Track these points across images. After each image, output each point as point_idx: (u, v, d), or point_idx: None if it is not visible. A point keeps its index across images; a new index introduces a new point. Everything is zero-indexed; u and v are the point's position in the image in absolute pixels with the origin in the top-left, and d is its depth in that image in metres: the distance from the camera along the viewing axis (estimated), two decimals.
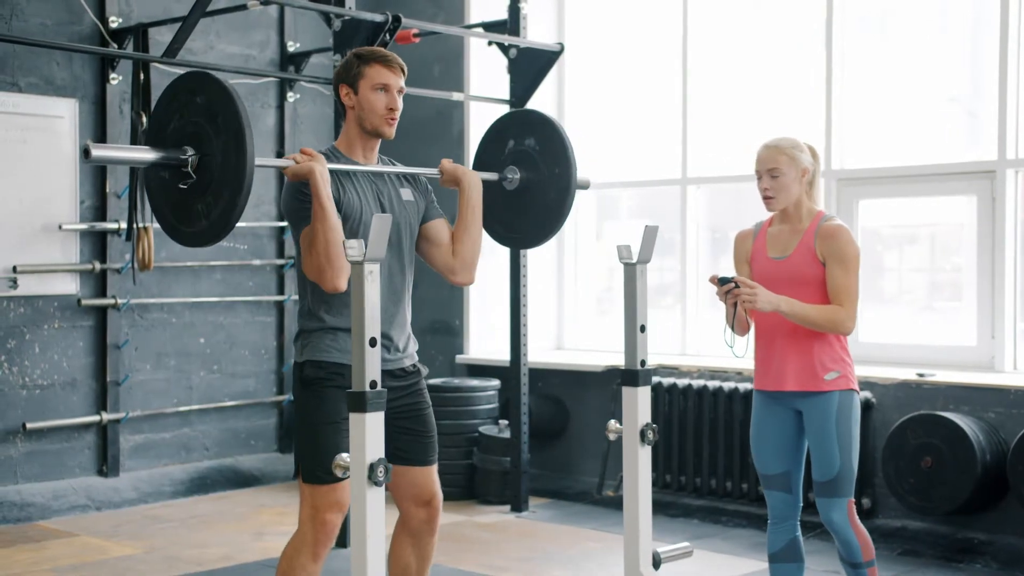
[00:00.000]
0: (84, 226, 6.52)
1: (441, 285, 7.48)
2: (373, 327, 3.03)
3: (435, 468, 3.78)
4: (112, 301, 6.61)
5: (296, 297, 3.84)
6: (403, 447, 3.69)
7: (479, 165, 4.07)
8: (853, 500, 3.97)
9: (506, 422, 6.65)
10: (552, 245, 7.71)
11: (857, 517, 3.98)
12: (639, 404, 3.73)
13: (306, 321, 3.62)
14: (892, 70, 6.47)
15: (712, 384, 6.40)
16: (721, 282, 3.93)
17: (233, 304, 7.24)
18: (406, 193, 3.73)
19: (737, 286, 3.89)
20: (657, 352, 7.05)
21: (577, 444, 7.13)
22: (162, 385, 6.96)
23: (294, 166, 3.41)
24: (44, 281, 6.42)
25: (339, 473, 3.10)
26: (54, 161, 6.43)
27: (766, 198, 4.00)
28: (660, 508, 6.37)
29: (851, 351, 4.05)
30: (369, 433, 3.04)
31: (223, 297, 7.16)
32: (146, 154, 3.24)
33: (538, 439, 7.05)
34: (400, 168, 3.81)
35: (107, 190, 6.60)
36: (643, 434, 3.73)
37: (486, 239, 3.94)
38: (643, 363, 3.74)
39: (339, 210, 3.50)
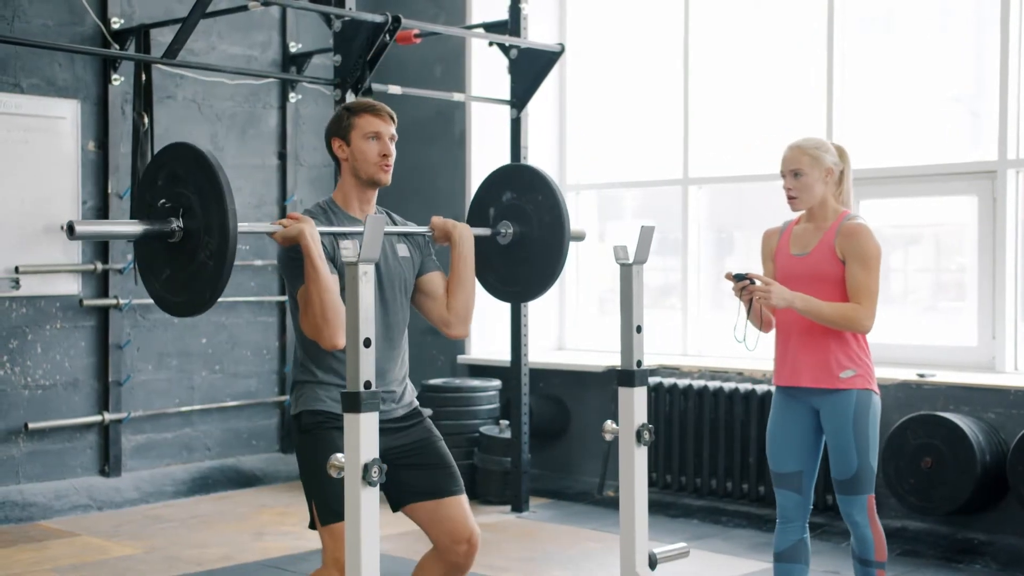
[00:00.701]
0: None
1: None
2: (367, 328, 3.03)
3: (464, 500, 3.67)
4: (114, 301, 6.63)
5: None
6: (418, 483, 3.62)
7: (473, 219, 4.05)
8: (873, 497, 3.98)
9: (507, 422, 6.66)
10: None
11: (877, 516, 3.99)
12: (635, 404, 3.73)
13: (299, 373, 3.62)
14: (894, 70, 6.47)
15: (712, 384, 6.40)
16: (736, 279, 3.95)
17: (235, 304, 7.25)
18: (402, 249, 3.72)
19: (752, 283, 3.91)
20: (659, 352, 7.07)
21: (578, 444, 7.13)
22: (164, 385, 6.97)
23: (282, 231, 3.39)
24: (46, 281, 6.44)
25: (334, 474, 3.10)
26: (56, 162, 6.45)
27: (790, 198, 4.03)
28: (660, 508, 6.38)
29: None
30: (363, 433, 3.04)
31: (225, 297, 7.12)
32: (133, 227, 3.21)
33: (539, 439, 7.06)
34: (393, 228, 3.77)
35: (109, 191, 6.61)
36: (639, 434, 3.72)
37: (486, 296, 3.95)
38: (639, 363, 3.74)
39: (335, 265, 3.49)
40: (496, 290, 4.08)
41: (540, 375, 7.12)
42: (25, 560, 5.48)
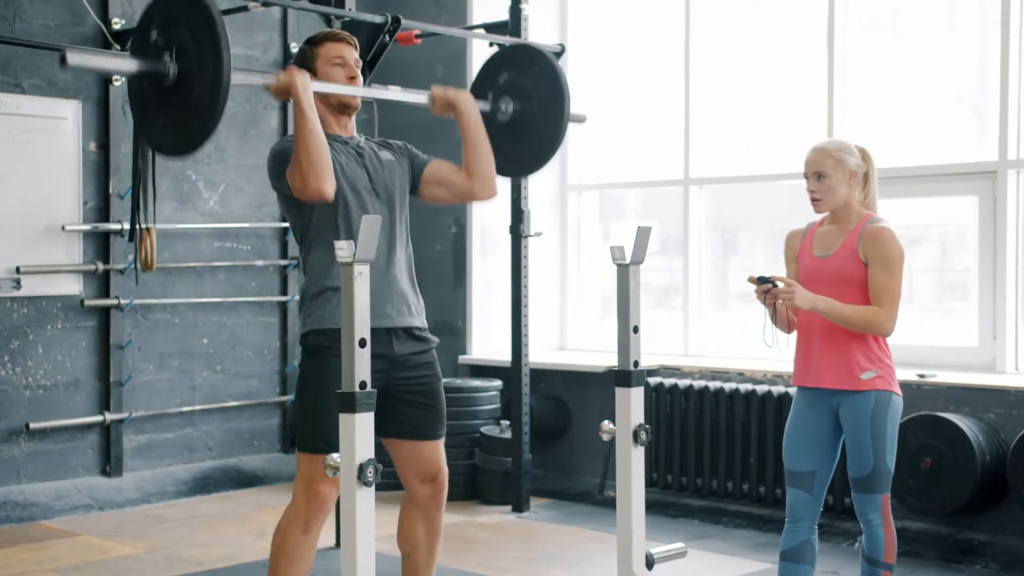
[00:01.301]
0: (87, 227, 6.55)
1: (444, 286, 7.51)
2: (363, 328, 3.04)
3: (442, 443, 3.82)
4: (115, 302, 6.64)
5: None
6: (413, 421, 3.73)
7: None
8: (889, 497, 3.99)
9: (507, 422, 6.66)
10: (556, 245, 7.72)
11: (891, 517, 4.01)
12: (632, 405, 3.73)
13: (307, 285, 3.71)
14: (896, 69, 6.46)
15: (713, 385, 6.39)
16: (760, 281, 3.96)
17: (236, 304, 7.26)
18: (385, 155, 3.82)
19: (775, 285, 3.93)
20: (660, 353, 7.07)
21: (579, 445, 7.13)
22: (165, 385, 6.98)
23: (275, 82, 3.49)
24: (47, 282, 6.45)
25: (329, 473, 3.11)
26: (57, 162, 6.46)
27: (813, 200, 4.04)
28: (661, 509, 6.38)
29: None
30: (358, 433, 3.04)
31: (226, 298, 7.18)
32: (127, 63, 3.25)
33: (540, 439, 7.06)
34: (387, 95, 3.92)
35: (110, 191, 6.62)
36: (636, 435, 3.72)
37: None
38: (636, 364, 3.74)
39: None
40: (498, 166, 4.06)
41: (541, 375, 7.12)
42: (26, 560, 5.49)
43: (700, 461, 6.43)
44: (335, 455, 3.10)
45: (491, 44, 6.50)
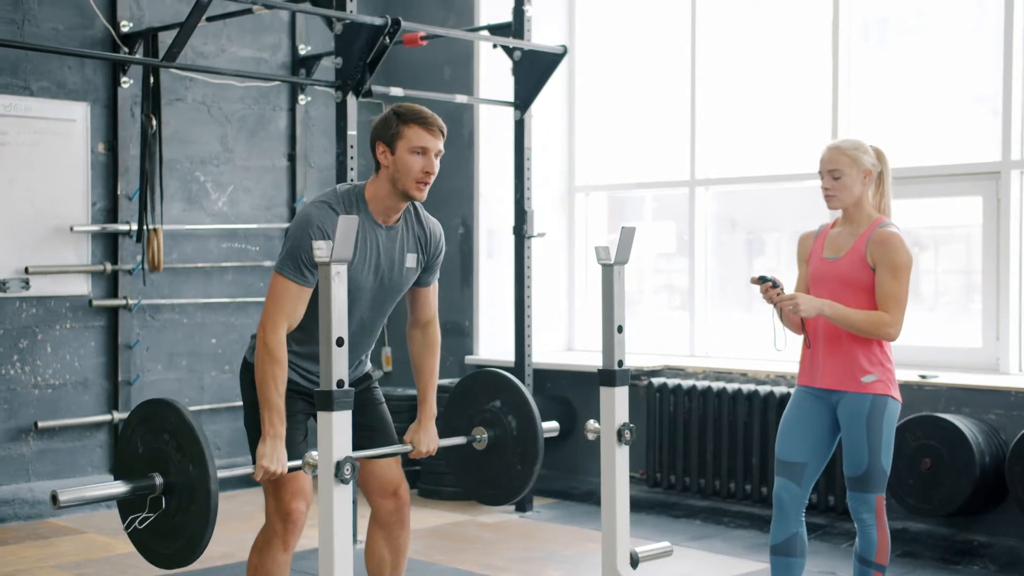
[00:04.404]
0: (96, 228, 6.61)
1: (452, 286, 7.54)
2: (340, 327, 3.08)
3: (397, 459, 3.84)
4: (123, 302, 6.70)
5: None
6: (361, 442, 3.69)
7: (446, 427, 4.06)
8: (883, 497, 4.01)
9: None
10: (564, 246, 7.74)
11: (885, 518, 4.02)
12: (616, 404, 3.77)
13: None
14: (901, 70, 6.45)
15: (716, 385, 6.40)
16: (761, 281, 3.99)
17: (244, 305, 7.31)
18: (410, 259, 3.72)
19: (775, 285, 3.98)
20: (665, 353, 7.08)
21: (584, 445, 7.13)
22: (174, 385, 7.04)
23: (260, 472, 3.42)
24: (56, 282, 6.52)
25: (308, 472, 3.15)
26: (66, 164, 6.52)
27: (827, 196, 4.06)
28: (664, 509, 6.40)
29: None
30: (336, 431, 3.08)
31: (234, 298, 7.23)
32: (116, 489, 3.24)
33: (546, 440, 7.05)
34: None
35: (118, 192, 6.68)
36: (620, 434, 3.77)
37: None
38: (620, 363, 3.79)
39: None
40: (474, 492, 4.11)
41: (547, 375, 7.14)
42: (30, 557, 5.55)
43: (703, 461, 6.43)
44: (313, 452, 3.14)
45: (495, 46, 6.55)
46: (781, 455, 4.11)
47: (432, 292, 3.87)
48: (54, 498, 3.09)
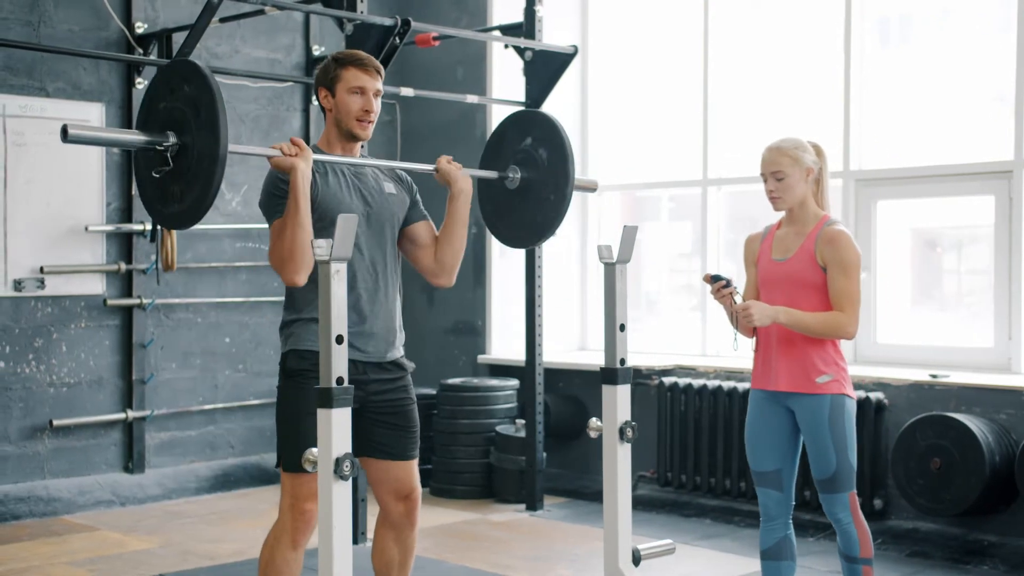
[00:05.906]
0: (110, 227, 6.66)
1: (464, 286, 7.56)
2: (339, 325, 3.10)
3: (415, 463, 3.86)
4: (138, 301, 6.75)
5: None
6: (386, 441, 3.77)
7: (484, 164, 4.13)
8: (855, 493, 4.00)
9: (523, 421, 6.70)
10: (577, 246, 7.75)
11: (861, 513, 4.01)
12: (618, 402, 3.78)
13: (287, 313, 3.75)
14: (911, 70, 6.43)
15: (727, 385, 6.40)
16: (713, 280, 3.98)
17: (259, 304, 7.35)
18: (389, 186, 3.81)
19: (728, 284, 3.97)
20: (677, 352, 7.08)
21: (596, 444, 7.04)
22: (188, 384, 7.09)
23: (279, 157, 3.50)
24: (71, 281, 6.57)
25: (308, 468, 3.17)
26: (81, 164, 6.57)
27: (772, 199, 4.04)
28: (675, 508, 6.40)
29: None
30: (335, 428, 3.10)
31: (248, 297, 7.27)
32: (130, 136, 3.34)
33: (557, 438, 7.09)
34: (394, 163, 3.90)
35: (132, 192, 6.72)
36: (622, 432, 3.78)
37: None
38: (623, 362, 3.79)
39: (316, 204, 3.59)
40: (505, 237, 4.14)
41: (559, 375, 7.15)
42: (43, 553, 5.60)
43: (714, 461, 6.43)
44: (313, 449, 3.16)
45: (506, 46, 6.57)
46: (754, 466, 4.12)
47: (431, 225, 3.92)
48: (64, 130, 3.12)
